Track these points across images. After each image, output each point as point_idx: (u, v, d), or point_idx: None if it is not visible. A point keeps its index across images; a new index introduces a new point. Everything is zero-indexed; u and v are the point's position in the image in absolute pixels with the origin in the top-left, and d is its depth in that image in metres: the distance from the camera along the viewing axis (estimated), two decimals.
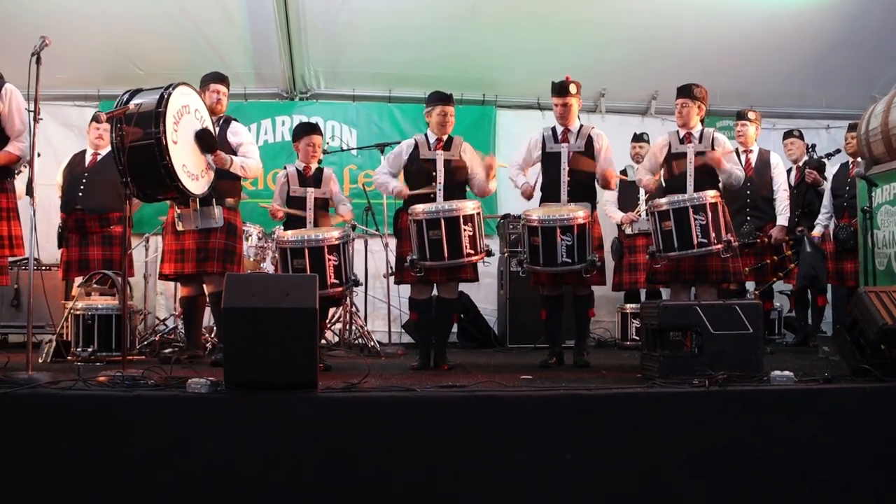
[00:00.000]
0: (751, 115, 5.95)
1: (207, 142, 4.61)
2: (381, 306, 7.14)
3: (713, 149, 4.78)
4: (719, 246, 4.44)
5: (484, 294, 7.29)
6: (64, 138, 7.20)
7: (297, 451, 3.21)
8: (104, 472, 3.12)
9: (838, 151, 6.58)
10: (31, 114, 3.66)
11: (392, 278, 5.26)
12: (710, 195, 4.49)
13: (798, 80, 7.49)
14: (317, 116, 7.53)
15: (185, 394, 3.28)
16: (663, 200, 4.53)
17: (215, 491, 3.16)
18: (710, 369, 3.69)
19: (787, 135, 6.54)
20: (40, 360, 4.83)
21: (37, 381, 3.42)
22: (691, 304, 3.89)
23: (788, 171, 6.35)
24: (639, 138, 6.92)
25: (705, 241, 4.41)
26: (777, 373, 3.62)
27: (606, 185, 4.99)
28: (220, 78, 5.13)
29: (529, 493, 3.26)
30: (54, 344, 4.87)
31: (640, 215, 6.44)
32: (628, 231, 6.56)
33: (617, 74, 7.43)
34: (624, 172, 6.84)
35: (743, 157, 5.89)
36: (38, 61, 3.67)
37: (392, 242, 5.68)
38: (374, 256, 7.12)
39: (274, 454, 3.20)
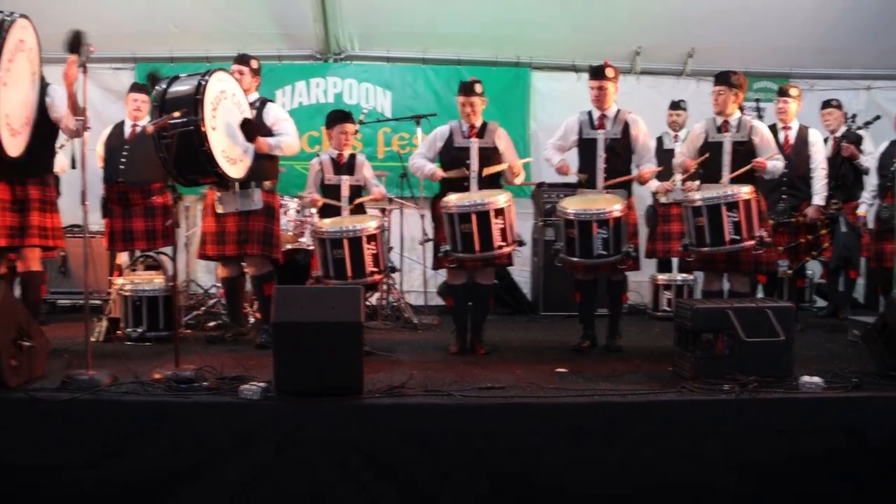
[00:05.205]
0: (793, 91, 5.83)
1: (251, 131, 4.70)
2: (416, 267, 7.27)
3: (751, 138, 4.74)
4: (751, 242, 4.45)
5: (518, 258, 7.32)
6: (104, 99, 7.31)
7: (344, 456, 3.40)
8: (163, 475, 3.36)
9: (878, 118, 6.47)
10: (81, 121, 3.71)
11: (429, 244, 5.33)
12: (745, 191, 4.47)
13: (841, 38, 7.27)
14: (351, 78, 7.53)
15: (238, 400, 3.48)
16: (697, 195, 4.54)
17: (267, 495, 3.38)
18: (742, 371, 3.82)
19: (826, 105, 6.39)
20: (93, 339, 5.04)
21: (98, 382, 3.62)
22: (723, 307, 3.95)
23: (825, 141, 6.24)
24: (676, 106, 6.84)
25: (738, 238, 4.42)
26: (806, 379, 3.72)
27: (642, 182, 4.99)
28: (239, 59, 5.14)
29: (560, 497, 3.45)
30: (106, 323, 5.07)
31: (675, 184, 6.39)
32: (663, 200, 6.53)
33: (653, 31, 7.28)
34: (660, 140, 6.82)
35: (782, 134, 5.81)
36: (85, 71, 3.72)
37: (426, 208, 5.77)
38: (408, 220, 7.21)
39: (322, 458, 3.40)
